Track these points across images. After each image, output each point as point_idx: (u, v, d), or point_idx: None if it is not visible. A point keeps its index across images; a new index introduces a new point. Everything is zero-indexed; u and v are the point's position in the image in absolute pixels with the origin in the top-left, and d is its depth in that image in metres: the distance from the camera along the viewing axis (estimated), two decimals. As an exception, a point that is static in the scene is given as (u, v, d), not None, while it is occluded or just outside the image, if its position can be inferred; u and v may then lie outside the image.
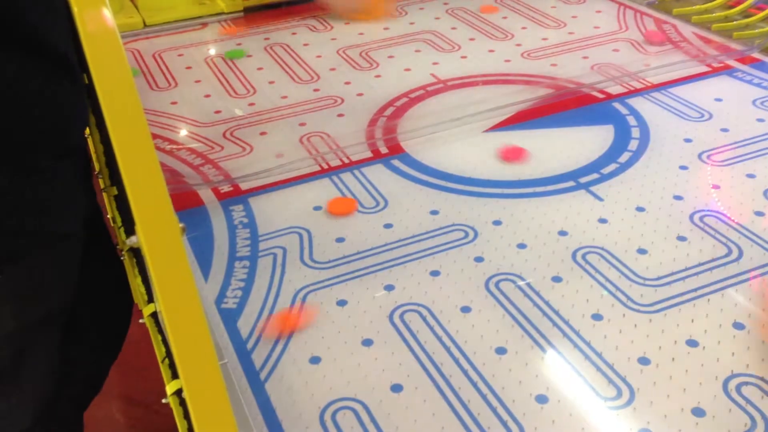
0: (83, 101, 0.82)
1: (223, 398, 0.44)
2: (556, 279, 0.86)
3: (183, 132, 1.21)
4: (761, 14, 1.45)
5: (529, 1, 1.64)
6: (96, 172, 1.02)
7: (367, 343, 0.79)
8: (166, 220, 0.42)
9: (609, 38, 1.44)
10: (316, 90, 1.32)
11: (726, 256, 0.88)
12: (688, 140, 1.10)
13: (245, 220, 0.99)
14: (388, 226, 0.96)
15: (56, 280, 0.89)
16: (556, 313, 0.81)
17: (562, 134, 1.15)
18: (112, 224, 1.00)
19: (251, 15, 1.61)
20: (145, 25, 1.57)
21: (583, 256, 0.89)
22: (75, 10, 0.46)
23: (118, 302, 1.00)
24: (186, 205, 1.01)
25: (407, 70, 1.37)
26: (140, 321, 0.81)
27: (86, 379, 1.06)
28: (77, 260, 0.91)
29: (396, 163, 1.09)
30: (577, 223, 0.95)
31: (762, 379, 0.72)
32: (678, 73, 1.29)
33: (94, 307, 1.01)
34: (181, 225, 0.47)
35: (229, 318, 0.83)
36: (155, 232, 0.42)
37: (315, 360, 0.77)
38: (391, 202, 1.01)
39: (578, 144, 1.11)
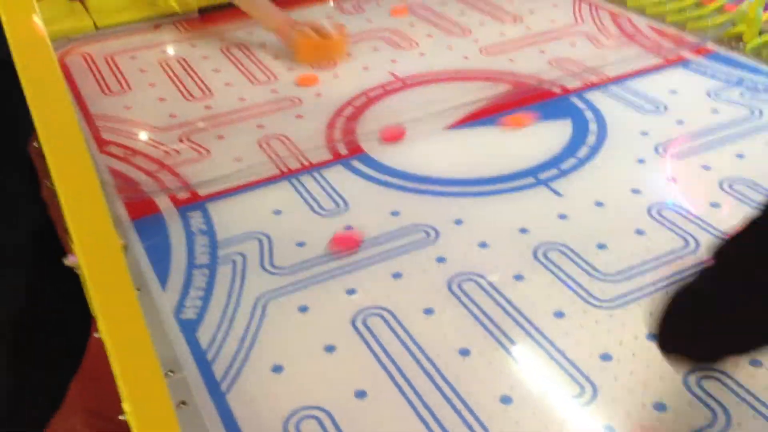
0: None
1: (172, 421, 0.43)
2: (518, 277, 0.86)
3: (137, 137, 1.18)
4: (714, 5, 1.47)
5: (486, -5, 1.64)
6: (47, 181, 1.00)
7: (330, 349, 0.78)
8: (106, 238, 0.41)
9: (566, 32, 1.45)
10: (273, 91, 1.30)
11: (684, 248, 0.89)
12: (644, 133, 1.11)
13: (203, 227, 0.97)
14: (348, 228, 0.96)
15: (2, 292, 0.87)
16: (519, 311, 0.81)
17: (521, 130, 1.15)
18: (64, 234, 0.98)
19: (206, 15, 1.59)
20: (97, 28, 1.53)
21: (544, 253, 0.89)
22: (3, 18, 0.44)
23: (75, 316, 0.98)
24: (142, 213, 0.99)
25: (365, 68, 1.36)
26: (95, 335, 0.79)
27: (44, 396, 1.03)
28: (24, 272, 0.89)
29: (356, 164, 1.08)
30: (537, 219, 0.95)
31: (723, 372, 0.72)
32: (634, 66, 1.30)
33: (48, 321, 0.99)
34: (121, 242, 0.46)
35: (189, 328, 0.81)
36: (94, 252, 0.40)
37: (277, 369, 0.76)
38: (352, 204, 1.00)
39: (537, 140, 1.12)
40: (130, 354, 0.43)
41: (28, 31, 0.43)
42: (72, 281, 0.91)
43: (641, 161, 1.05)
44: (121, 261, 0.44)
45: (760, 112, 1.14)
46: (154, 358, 0.43)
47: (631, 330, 0.78)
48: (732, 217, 0.93)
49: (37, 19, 0.43)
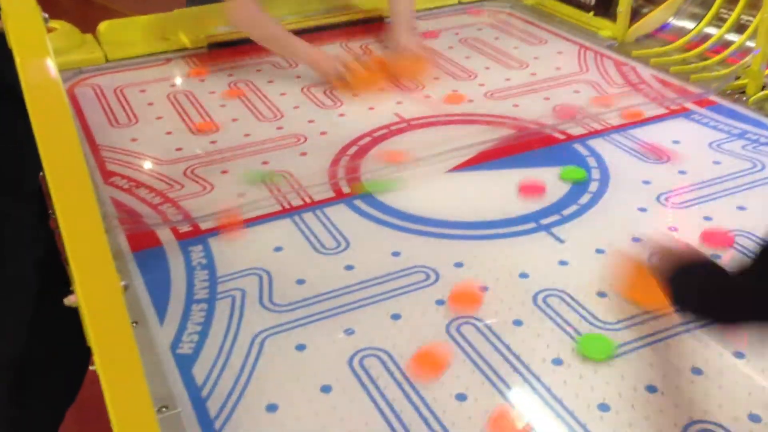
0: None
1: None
2: (517, 322, 0.86)
3: (142, 170, 1.19)
4: (718, 57, 1.48)
5: (492, 40, 1.67)
6: (51, 212, 1.00)
7: (326, 389, 0.78)
8: (106, 279, 0.41)
9: (570, 79, 1.46)
10: (279, 128, 1.31)
11: (684, 299, 0.88)
12: (646, 182, 1.12)
13: (204, 261, 0.97)
14: (349, 267, 0.96)
15: (6, 324, 0.87)
16: (517, 357, 0.81)
17: (524, 175, 1.15)
18: (66, 265, 0.98)
19: (216, 51, 1.60)
20: (107, 60, 1.55)
21: (544, 299, 0.89)
22: (18, 60, 0.45)
23: (74, 347, 0.97)
24: (143, 245, 0.99)
25: (371, 108, 1.37)
26: (91, 368, 0.79)
27: (40, 425, 1.02)
28: (29, 304, 0.89)
29: (358, 203, 1.09)
30: (537, 265, 0.95)
31: (720, 425, 0.72)
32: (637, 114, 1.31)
33: (48, 351, 0.98)
34: (122, 283, 0.46)
35: (185, 364, 0.80)
36: (93, 292, 0.40)
37: (272, 408, 0.75)
38: (353, 243, 1.00)
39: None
40: (124, 393, 0.42)
41: (41, 75, 0.43)
42: (72, 312, 0.91)
43: (643, 210, 1.05)
44: (121, 302, 0.44)
45: (763, 165, 1.14)
46: (148, 397, 0.42)
47: (630, 381, 0.77)
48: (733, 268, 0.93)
49: (50, 62, 0.43)
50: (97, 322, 0.43)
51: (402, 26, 1.51)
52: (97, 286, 0.42)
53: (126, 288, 0.46)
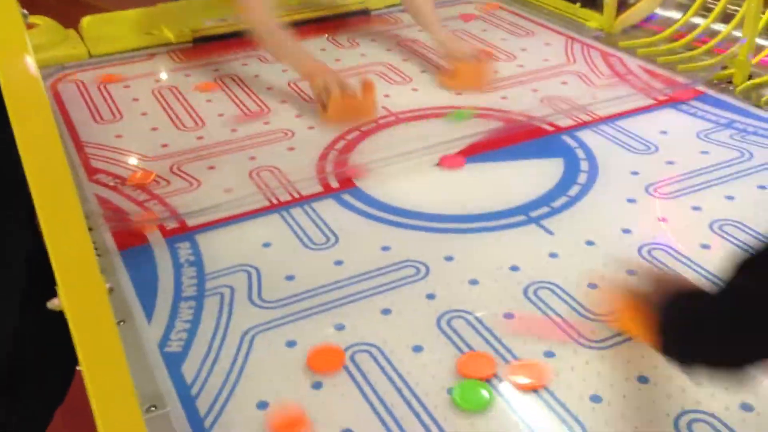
0: None
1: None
2: (509, 315, 0.85)
3: (128, 166, 1.17)
4: (704, 47, 1.48)
5: (479, 33, 1.66)
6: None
7: (317, 386, 0.77)
8: (91, 283, 0.40)
9: (557, 71, 1.46)
10: (266, 123, 1.30)
11: (674, 289, 0.88)
12: (635, 173, 1.12)
13: (192, 258, 0.96)
14: (338, 262, 0.95)
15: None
16: (509, 350, 0.80)
17: (513, 167, 1.15)
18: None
19: (201, 46, 1.59)
20: (91, 56, 1.53)
21: (535, 292, 0.89)
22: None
23: (63, 347, 0.97)
24: (129, 243, 0.98)
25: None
26: (78, 368, 0.78)
27: (29, 425, 1.01)
28: (16, 304, 0.88)
29: (347, 197, 1.08)
30: (528, 258, 0.94)
31: (712, 415, 0.72)
32: (625, 106, 1.31)
33: (37, 351, 0.97)
34: (107, 285, 0.45)
35: (174, 362, 0.80)
36: (78, 296, 0.39)
37: (262, 405, 0.75)
38: (342, 238, 0.99)
39: (529, 177, 1.12)
40: (110, 397, 0.41)
41: (20, 72, 0.42)
42: (60, 313, 0.90)
43: (632, 201, 1.05)
44: (106, 306, 0.43)
45: (750, 154, 1.14)
46: (135, 401, 0.42)
47: (622, 372, 0.77)
48: (722, 258, 0.93)
49: (29, 60, 0.42)
50: (82, 325, 0.42)
51: (440, 31, 1.44)
52: (81, 290, 0.41)
53: (111, 290, 0.45)
